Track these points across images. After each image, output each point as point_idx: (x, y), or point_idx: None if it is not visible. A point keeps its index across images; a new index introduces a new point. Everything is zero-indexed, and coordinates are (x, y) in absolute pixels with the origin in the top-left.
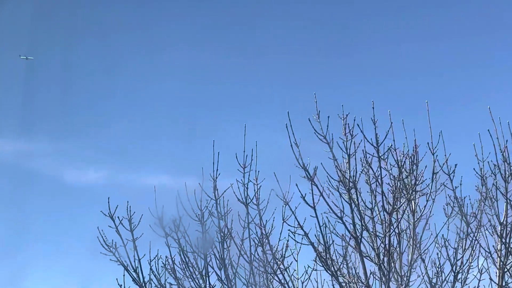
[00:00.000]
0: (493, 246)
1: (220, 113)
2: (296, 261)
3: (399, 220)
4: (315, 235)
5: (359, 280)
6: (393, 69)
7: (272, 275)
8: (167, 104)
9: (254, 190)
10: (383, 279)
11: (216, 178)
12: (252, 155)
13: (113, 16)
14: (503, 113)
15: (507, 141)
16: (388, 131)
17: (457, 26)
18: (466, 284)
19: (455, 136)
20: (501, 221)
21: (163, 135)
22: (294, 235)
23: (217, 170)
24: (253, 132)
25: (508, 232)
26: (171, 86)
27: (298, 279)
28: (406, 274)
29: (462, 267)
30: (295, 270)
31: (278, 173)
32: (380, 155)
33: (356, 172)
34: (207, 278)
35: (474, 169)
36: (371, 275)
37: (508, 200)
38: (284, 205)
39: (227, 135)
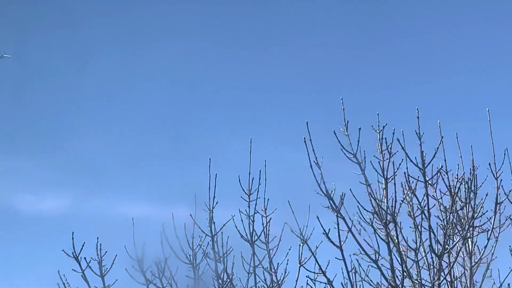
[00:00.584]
0: None
1: (217, 123)
2: None
3: (451, 264)
4: (342, 284)
5: None
6: (443, 66)
7: None
8: (149, 112)
9: (262, 224)
10: None
11: (213, 208)
12: (259, 179)
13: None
14: None
15: None
16: (437, 148)
17: None
18: None
19: None
20: None
21: (144, 152)
22: (315, 283)
23: (214, 197)
24: (261, 148)
25: None
26: (154, 88)
27: None
28: None
29: None
30: None
31: (293, 201)
32: (427, 179)
33: (396, 201)
34: None
35: None
36: None
37: None
38: (301, 244)
39: (227, 151)
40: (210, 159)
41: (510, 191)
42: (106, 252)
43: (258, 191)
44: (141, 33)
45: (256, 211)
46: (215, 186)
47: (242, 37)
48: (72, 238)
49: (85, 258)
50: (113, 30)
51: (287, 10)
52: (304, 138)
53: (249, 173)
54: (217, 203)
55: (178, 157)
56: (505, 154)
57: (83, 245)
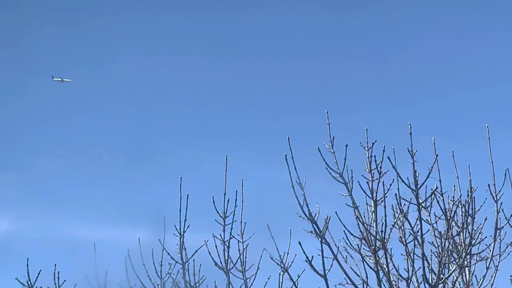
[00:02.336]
0: None
1: (189, 139)
2: None
3: None
4: None
5: None
6: (439, 79)
7: None
8: (109, 126)
9: (239, 250)
10: None
11: (184, 232)
12: (236, 200)
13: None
14: None
15: None
16: (431, 167)
17: None
18: None
19: None
20: None
21: (106, 170)
22: None
23: (185, 220)
24: (237, 166)
25: None
26: (116, 101)
27: None
28: None
29: None
30: None
31: (273, 225)
32: (421, 201)
33: (386, 225)
34: None
35: None
36: None
37: None
38: (281, 273)
39: (200, 170)
40: (181, 178)
41: (511, 215)
42: (65, 280)
43: (234, 214)
44: (99, 49)
45: (232, 236)
46: (186, 207)
47: (217, 50)
48: (27, 266)
49: None
50: (71, 48)
51: (268, 21)
52: (286, 155)
53: (224, 193)
54: (188, 226)
55: (144, 176)
56: (505, 174)
57: (39, 273)
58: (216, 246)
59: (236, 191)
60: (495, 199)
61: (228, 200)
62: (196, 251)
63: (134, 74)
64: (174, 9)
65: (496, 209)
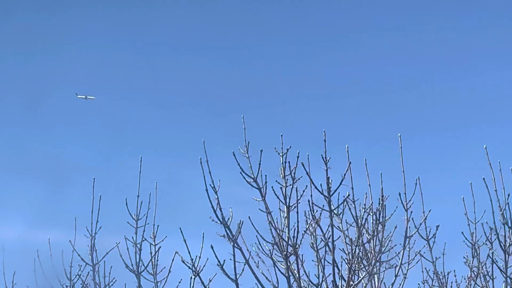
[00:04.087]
0: None
1: (102, 141)
2: None
3: None
4: None
5: None
6: (353, 84)
7: None
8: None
9: (151, 253)
10: None
11: (96, 233)
12: (149, 203)
13: None
14: (505, 157)
15: (509, 195)
16: (344, 174)
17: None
18: None
19: (438, 186)
20: None
21: (14, 169)
22: None
23: (97, 222)
24: (152, 168)
25: None
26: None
27: None
28: None
29: None
30: None
31: (186, 229)
32: (333, 208)
33: (299, 231)
34: None
35: (462, 233)
36: None
37: (509, 279)
38: (193, 276)
39: (112, 172)
40: (94, 179)
41: (420, 224)
42: None
43: (147, 217)
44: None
45: (144, 239)
46: (98, 209)
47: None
48: None
49: None
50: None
51: (177, 29)
52: (200, 158)
53: (138, 196)
54: (100, 228)
55: (55, 177)
56: (416, 183)
57: None
58: (127, 248)
59: (150, 194)
60: (405, 207)
61: (141, 203)
62: (107, 253)
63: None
64: None
65: (406, 217)
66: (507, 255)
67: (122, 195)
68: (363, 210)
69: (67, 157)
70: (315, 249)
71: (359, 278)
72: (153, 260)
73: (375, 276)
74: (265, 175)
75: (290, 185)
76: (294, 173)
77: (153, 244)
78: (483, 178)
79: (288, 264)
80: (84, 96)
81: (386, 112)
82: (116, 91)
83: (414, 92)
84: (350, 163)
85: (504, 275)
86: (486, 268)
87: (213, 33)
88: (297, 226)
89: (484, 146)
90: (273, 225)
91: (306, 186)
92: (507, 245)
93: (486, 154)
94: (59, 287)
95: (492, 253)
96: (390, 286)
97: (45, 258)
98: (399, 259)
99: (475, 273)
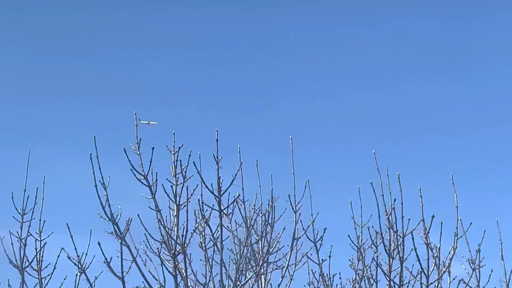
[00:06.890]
0: None
1: None
2: None
3: None
4: None
5: None
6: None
7: None
8: None
9: (36, 249)
10: None
11: None
12: (36, 197)
13: None
14: (392, 161)
15: (395, 200)
16: (235, 174)
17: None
18: None
19: (327, 189)
20: None
21: None
22: None
23: None
24: (41, 161)
25: None
26: None
27: None
28: None
29: None
30: None
31: (74, 225)
32: (223, 208)
33: (188, 230)
34: None
35: (349, 236)
36: None
37: (392, 283)
38: (78, 274)
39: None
40: None
41: (308, 226)
42: None
43: (33, 211)
44: None
45: (29, 234)
46: None
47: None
48: None
49: None
50: None
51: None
52: (90, 154)
53: (25, 190)
54: None
55: None
56: (305, 186)
57: None
58: (12, 243)
59: (37, 188)
60: (294, 209)
61: (28, 197)
62: None
63: None
64: None
65: (294, 219)
66: (391, 259)
67: (8, 189)
68: (253, 211)
69: None
70: (204, 248)
71: (246, 279)
72: (38, 256)
73: (262, 276)
74: (156, 173)
75: (181, 183)
76: (185, 172)
77: (39, 239)
78: (371, 183)
79: (176, 263)
80: (147, 122)
81: (277, 116)
82: None
83: (306, 104)
84: (241, 163)
85: (388, 279)
86: (370, 271)
87: None
88: (186, 225)
89: (373, 151)
90: (162, 223)
91: (197, 185)
92: (392, 249)
93: (374, 159)
94: None
95: (377, 256)
96: (277, 287)
97: None
98: (287, 260)
99: (360, 276)
